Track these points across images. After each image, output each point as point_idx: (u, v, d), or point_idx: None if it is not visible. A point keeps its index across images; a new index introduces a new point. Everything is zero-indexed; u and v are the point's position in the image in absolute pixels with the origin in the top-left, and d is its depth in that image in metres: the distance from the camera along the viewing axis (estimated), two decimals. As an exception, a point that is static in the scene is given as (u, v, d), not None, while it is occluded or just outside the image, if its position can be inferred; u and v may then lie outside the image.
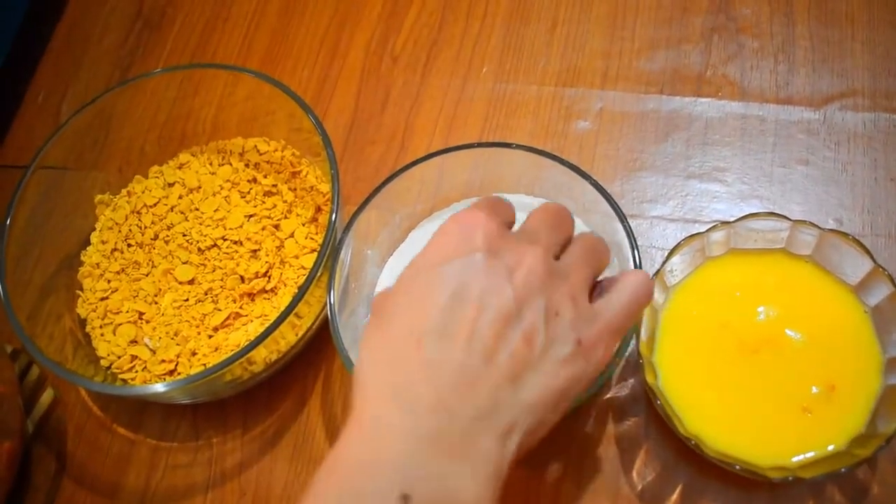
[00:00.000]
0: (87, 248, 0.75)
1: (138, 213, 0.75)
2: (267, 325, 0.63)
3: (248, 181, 0.74)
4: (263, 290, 0.70)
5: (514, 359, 0.44)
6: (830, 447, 0.58)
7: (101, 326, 0.71)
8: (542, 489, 0.64)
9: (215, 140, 0.78)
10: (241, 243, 0.71)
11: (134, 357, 0.69)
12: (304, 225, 0.71)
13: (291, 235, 0.71)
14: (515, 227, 0.52)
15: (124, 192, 0.77)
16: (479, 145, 0.70)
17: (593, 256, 0.52)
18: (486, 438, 0.43)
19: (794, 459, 0.58)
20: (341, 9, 0.87)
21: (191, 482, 0.68)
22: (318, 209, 0.72)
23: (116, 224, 0.75)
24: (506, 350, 0.44)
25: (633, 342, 0.60)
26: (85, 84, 0.88)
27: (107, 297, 0.72)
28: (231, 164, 0.75)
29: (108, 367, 0.69)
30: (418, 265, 0.48)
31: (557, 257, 0.50)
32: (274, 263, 0.70)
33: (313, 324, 0.67)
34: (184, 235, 0.73)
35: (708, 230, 0.64)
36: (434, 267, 0.47)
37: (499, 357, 0.44)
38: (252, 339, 0.61)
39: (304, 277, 0.63)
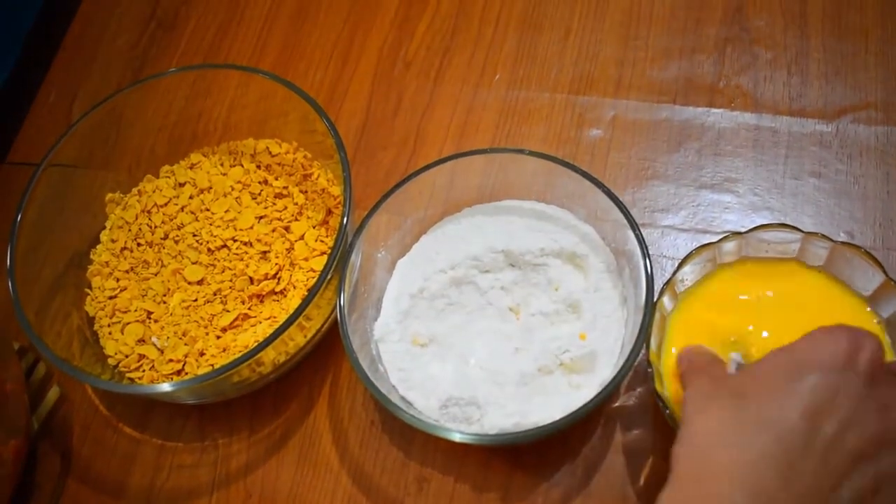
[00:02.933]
0: (97, 247, 0.75)
1: (148, 212, 0.75)
2: (276, 326, 0.63)
3: (260, 182, 0.74)
4: (273, 292, 0.69)
5: (854, 499, 0.43)
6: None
7: (109, 325, 0.70)
8: (549, 497, 0.64)
9: (227, 141, 0.78)
10: (251, 244, 0.71)
11: (141, 356, 0.69)
12: (314, 227, 0.71)
13: (302, 238, 0.71)
14: None
15: (135, 191, 0.77)
16: (491, 151, 0.70)
17: None
18: None
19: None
20: (354, 13, 0.88)
21: (196, 483, 0.68)
22: (329, 212, 0.72)
23: (126, 223, 0.75)
24: (848, 488, 0.43)
25: (642, 351, 0.59)
26: (97, 83, 0.89)
27: (115, 296, 0.72)
28: (242, 166, 0.75)
29: (116, 366, 0.69)
30: (787, 355, 0.47)
31: None
32: (284, 265, 0.70)
33: (322, 326, 0.67)
34: (194, 235, 0.73)
35: (719, 241, 0.63)
36: (805, 366, 0.46)
37: (840, 492, 0.43)
38: (260, 340, 0.61)
39: (314, 280, 0.63)
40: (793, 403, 0.44)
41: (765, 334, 0.62)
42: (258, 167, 0.75)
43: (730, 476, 0.43)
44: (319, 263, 0.70)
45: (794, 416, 0.44)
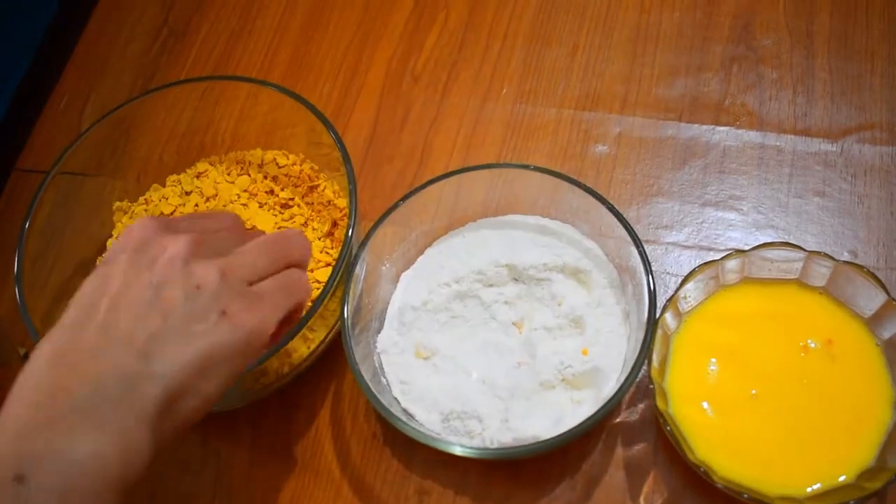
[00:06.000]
0: (104, 254, 0.75)
1: (155, 221, 0.75)
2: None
3: (266, 192, 0.75)
4: (277, 302, 0.70)
5: (147, 333, 0.47)
6: (841, 478, 0.58)
7: (114, 332, 0.71)
8: (548, 511, 0.64)
9: (234, 151, 0.78)
10: (257, 254, 0.71)
11: (146, 364, 0.69)
12: (319, 239, 0.72)
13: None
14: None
15: (142, 199, 0.77)
16: (498, 166, 0.70)
17: (276, 250, 0.54)
18: (108, 406, 0.45)
19: (803, 490, 0.58)
20: (364, 26, 0.88)
21: (198, 492, 0.68)
22: (335, 224, 0.72)
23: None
24: (140, 331, 0.47)
25: (643, 367, 0.60)
26: (108, 91, 0.89)
27: (121, 304, 0.72)
28: (249, 175, 0.76)
29: (120, 374, 0.69)
30: (94, 271, 0.52)
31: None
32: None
33: (326, 338, 0.67)
34: (200, 245, 0.73)
35: (722, 258, 0.64)
36: (91, 275, 0.50)
37: (134, 337, 0.47)
38: (264, 350, 0.61)
39: (319, 291, 0.63)
40: (75, 302, 0.49)
41: (770, 348, 0.62)
42: (265, 177, 0.75)
43: (12, 395, 0.46)
44: (324, 275, 0.70)
45: (74, 310, 0.48)
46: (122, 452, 0.45)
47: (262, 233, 0.60)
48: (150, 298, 0.48)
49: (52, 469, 0.43)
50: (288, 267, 0.55)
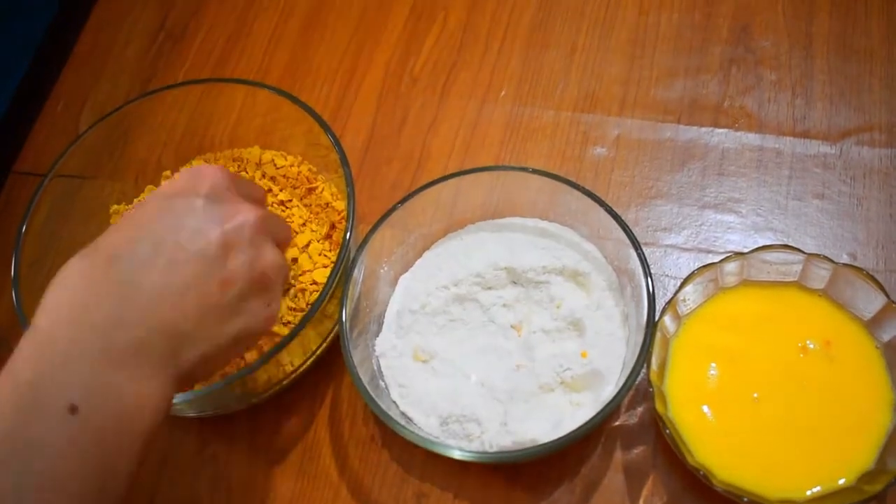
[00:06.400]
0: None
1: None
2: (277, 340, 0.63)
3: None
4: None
5: (202, 299, 0.49)
6: (841, 481, 0.57)
7: (112, 335, 0.70)
8: (547, 515, 0.64)
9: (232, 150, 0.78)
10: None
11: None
12: (318, 241, 0.71)
13: (306, 247, 0.71)
14: None
15: (136, 202, 0.77)
16: (496, 168, 0.70)
17: (276, 225, 0.57)
18: (157, 357, 0.47)
19: (803, 494, 0.58)
20: (362, 28, 0.88)
21: (196, 495, 0.68)
22: (333, 226, 0.72)
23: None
24: (196, 290, 0.49)
25: (643, 370, 0.60)
26: (105, 94, 0.89)
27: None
28: (247, 172, 0.75)
29: (118, 377, 0.69)
30: (147, 199, 0.52)
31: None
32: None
33: (324, 341, 0.67)
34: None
35: (721, 261, 0.64)
36: (157, 200, 0.51)
37: (188, 295, 0.48)
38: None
39: (317, 294, 0.63)
40: (137, 232, 0.49)
41: (769, 351, 0.62)
42: (263, 177, 0.75)
43: (60, 317, 0.46)
44: (322, 277, 0.70)
45: (139, 241, 0.49)
46: (158, 401, 0.48)
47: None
48: (214, 259, 0.50)
49: (102, 405, 0.45)
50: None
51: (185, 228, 0.50)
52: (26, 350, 0.46)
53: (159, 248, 0.49)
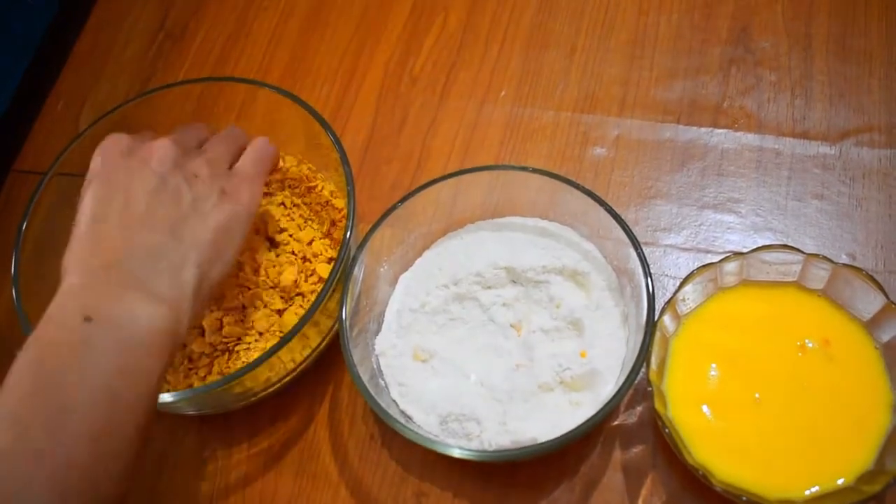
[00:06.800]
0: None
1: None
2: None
3: (265, 194, 0.74)
4: (275, 305, 0.70)
5: (168, 216, 0.56)
6: (840, 481, 0.58)
7: (111, 334, 0.70)
8: (546, 514, 0.64)
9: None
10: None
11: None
12: (319, 239, 0.71)
13: (310, 243, 0.71)
14: None
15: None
16: (496, 168, 0.70)
17: (230, 139, 0.66)
18: (156, 274, 0.54)
19: (802, 493, 0.58)
20: (362, 28, 0.88)
21: (195, 494, 0.68)
22: (333, 224, 0.72)
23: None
24: (160, 212, 0.56)
25: (642, 370, 0.60)
26: (105, 93, 0.89)
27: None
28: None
29: (117, 376, 0.69)
30: (83, 188, 0.59)
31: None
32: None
33: (323, 339, 0.67)
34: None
35: (721, 261, 0.64)
36: (96, 177, 0.58)
37: (155, 219, 0.56)
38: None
39: (317, 294, 0.63)
40: (91, 202, 0.57)
41: (768, 351, 0.62)
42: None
43: (70, 270, 0.54)
44: (325, 270, 0.69)
45: (93, 206, 0.57)
46: (173, 320, 0.53)
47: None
48: (157, 187, 0.57)
49: (115, 315, 0.51)
50: (243, 149, 0.65)
51: (126, 180, 0.57)
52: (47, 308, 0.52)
53: (117, 202, 0.56)
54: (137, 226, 0.55)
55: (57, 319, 0.51)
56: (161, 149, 0.59)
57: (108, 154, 0.59)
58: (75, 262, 0.54)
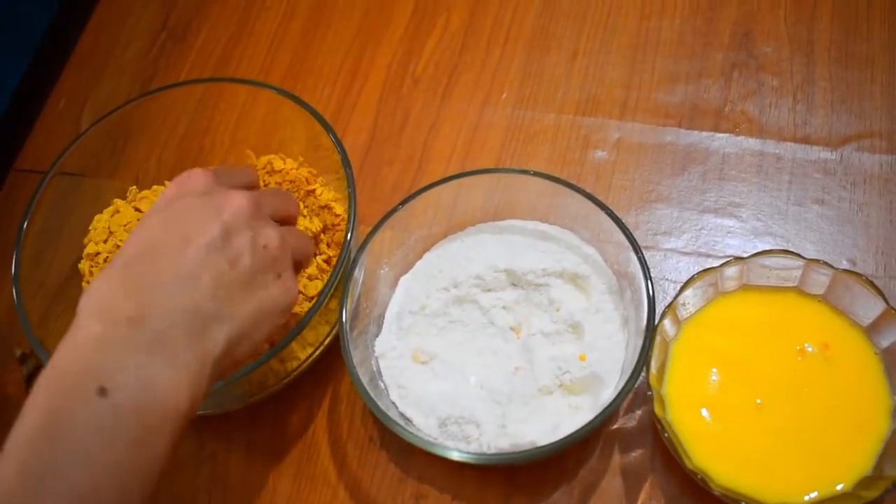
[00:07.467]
0: (97, 256, 0.75)
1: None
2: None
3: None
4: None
5: (219, 278, 0.51)
6: (839, 487, 0.58)
7: (111, 334, 0.70)
8: (545, 517, 0.64)
9: (234, 153, 0.78)
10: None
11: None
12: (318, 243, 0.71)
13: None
14: None
15: (140, 197, 0.77)
16: (497, 171, 0.70)
17: (296, 235, 0.60)
18: (184, 339, 0.49)
19: (800, 498, 0.58)
20: (364, 29, 0.88)
21: (194, 495, 0.68)
22: (334, 227, 0.72)
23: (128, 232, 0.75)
24: (209, 272, 0.51)
25: (642, 374, 0.60)
26: (107, 93, 0.89)
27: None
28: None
29: (117, 375, 0.69)
30: (146, 214, 0.55)
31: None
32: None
33: (323, 341, 0.67)
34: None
35: (721, 265, 0.64)
36: (155, 212, 0.54)
37: (204, 278, 0.50)
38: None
39: (317, 295, 0.63)
40: (144, 236, 0.52)
41: (768, 356, 0.62)
42: (262, 180, 0.75)
43: (88, 315, 0.49)
44: (322, 273, 0.70)
45: (146, 244, 0.52)
46: (192, 386, 0.48)
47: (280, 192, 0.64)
48: (220, 243, 0.52)
49: (133, 387, 0.46)
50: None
51: (187, 224, 0.52)
52: (61, 348, 0.47)
53: (168, 246, 0.51)
54: (182, 281, 0.50)
55: (69, 384, 0.46)
56: (240, 200, 0.54)
57: (187, 187, 0.55)
58: (101, 302, 0.49)
